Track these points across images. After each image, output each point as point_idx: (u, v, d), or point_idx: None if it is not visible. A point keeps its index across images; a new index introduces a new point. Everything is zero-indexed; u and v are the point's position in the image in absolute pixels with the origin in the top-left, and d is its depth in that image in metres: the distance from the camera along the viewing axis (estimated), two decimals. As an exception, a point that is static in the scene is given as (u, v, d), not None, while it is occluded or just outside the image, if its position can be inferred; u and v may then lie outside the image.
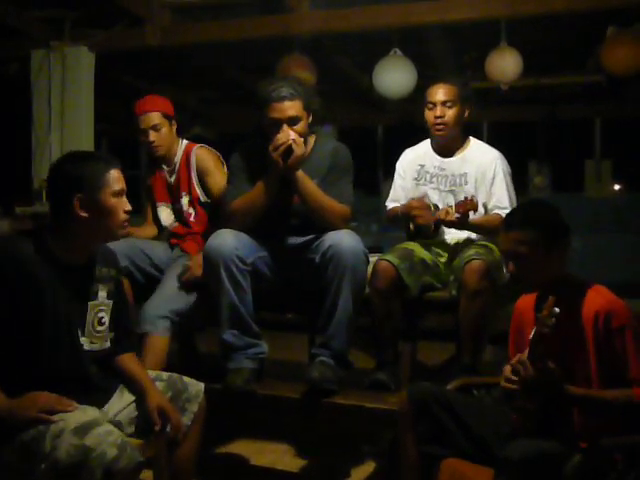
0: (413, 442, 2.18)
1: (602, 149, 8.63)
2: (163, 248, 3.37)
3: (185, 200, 3.33)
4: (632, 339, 2.00)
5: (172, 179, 3.39)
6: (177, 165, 3.36)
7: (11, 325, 2.03)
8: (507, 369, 2.02)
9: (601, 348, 2.01)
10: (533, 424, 2.02)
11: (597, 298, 2.06)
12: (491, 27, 4.81)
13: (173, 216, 3.40)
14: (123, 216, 2.17)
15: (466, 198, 2.96)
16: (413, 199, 3.17)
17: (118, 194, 2.16)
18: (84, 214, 2.10)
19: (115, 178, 2.16)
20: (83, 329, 2.17)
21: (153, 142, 3.27)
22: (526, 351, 1.97)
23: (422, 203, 3.10)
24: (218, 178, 3.28)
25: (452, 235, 3.16)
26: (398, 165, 3.39)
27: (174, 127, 3.36)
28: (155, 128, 3.27)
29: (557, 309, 1.90)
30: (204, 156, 3.33)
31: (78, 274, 2.18)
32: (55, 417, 1.96)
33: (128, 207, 2.19)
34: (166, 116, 3.31)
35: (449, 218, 2.94)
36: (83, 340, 2.17)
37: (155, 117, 3.28)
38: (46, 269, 2.08)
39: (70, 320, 2.14)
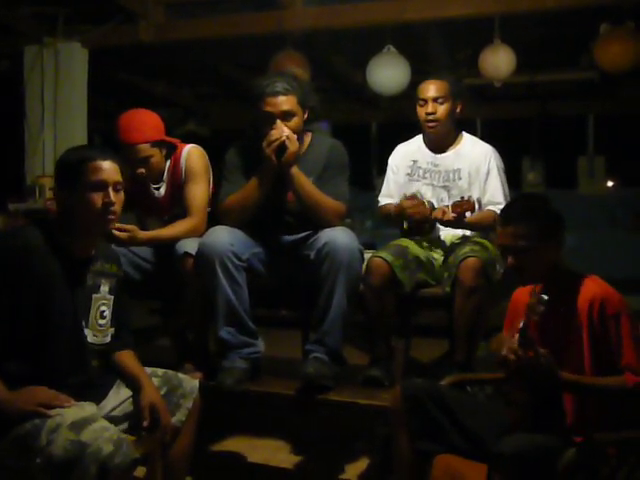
0: (406, 438, 2.19)
1: (595, 145, 8.66)
2: None
3: (177, 211, 3.05)
4: (627, 326, 2.02)
5: (160, 193, 3.09)
6: (165, 176, 3.06)
7: (18, 314, 2.03)
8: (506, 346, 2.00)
9: (595, 336, 2.03)
10: (527, 419, 2.03)
11: (592, 287, 2.09)
12: (485, 24, 4.81)
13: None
14: (98, 208, 2.07)
15: (462, 198, 2.96)
16: (405, 196, 3.16)
17: (95, 186, 2.07)
18: (67, 206, 2.11)
19: (93, 170, 2.07)
20: (87, 321, 2.18)
21: (142, 173, 2.94)
22: (516, 338, 1.96)
23: (414, 200, 3.09)
24: (201, 188, 3.01)
25: (446, 232, 3.16)
26: (390, 160, 3.39)
27: (164, 151, 3.00)
28: (144, 161, 2.91)
29: (545, 296, 1.93)
30: (194, 158, 3.03)
31: (83, 267, 2.19)
32: (52, 412, 1.96)
33: (108, 199, 2.07)
34: (156, 144, 2.94)
35: (446, 218, 2.94)
36: (87, 332, 2.18)
37: (144, 150, 2.90)
38: (54, 260, 2.08)
39: (76, 311, 2.14)
